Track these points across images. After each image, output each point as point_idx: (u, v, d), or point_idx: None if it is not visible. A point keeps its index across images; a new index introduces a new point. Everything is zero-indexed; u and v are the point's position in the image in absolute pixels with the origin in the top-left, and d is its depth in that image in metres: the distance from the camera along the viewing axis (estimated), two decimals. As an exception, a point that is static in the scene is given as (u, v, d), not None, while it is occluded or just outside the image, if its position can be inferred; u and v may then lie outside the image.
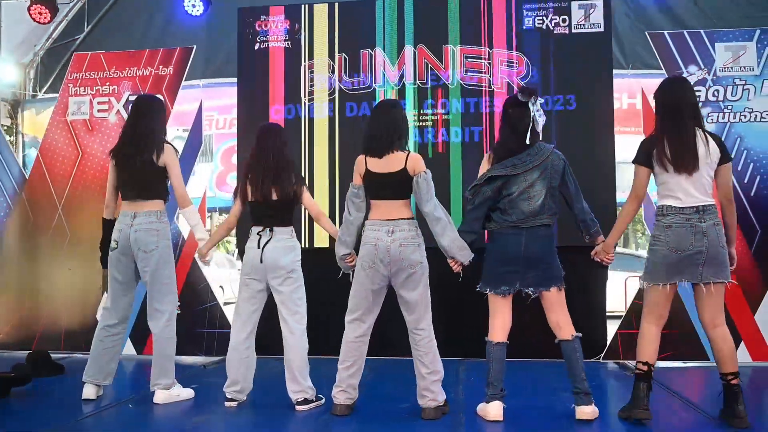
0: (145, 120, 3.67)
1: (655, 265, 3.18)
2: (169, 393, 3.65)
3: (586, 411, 3.16)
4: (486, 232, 3.39)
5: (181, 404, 3.65)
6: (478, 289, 3.33)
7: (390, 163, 3.23)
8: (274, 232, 3.51)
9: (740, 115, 5.00)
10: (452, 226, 3.23)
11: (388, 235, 3.19)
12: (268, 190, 3.50)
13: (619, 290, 6.86)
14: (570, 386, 3.23)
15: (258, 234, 3.53)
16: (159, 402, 3.61)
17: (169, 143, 3.75)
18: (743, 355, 4.71)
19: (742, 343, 4.76)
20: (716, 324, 3.18)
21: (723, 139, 5.07)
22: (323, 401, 3.54)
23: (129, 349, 5.22)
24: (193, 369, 4.73)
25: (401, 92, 5.22)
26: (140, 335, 5.16)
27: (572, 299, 3.35)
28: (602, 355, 4.97)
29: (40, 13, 6.05)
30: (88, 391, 3.67)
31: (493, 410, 3.21)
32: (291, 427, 3.34)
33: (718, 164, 3.17)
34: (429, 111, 5.20)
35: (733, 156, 4.98)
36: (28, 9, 6.01)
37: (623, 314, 5.20)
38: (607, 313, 5.17)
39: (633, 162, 3.27)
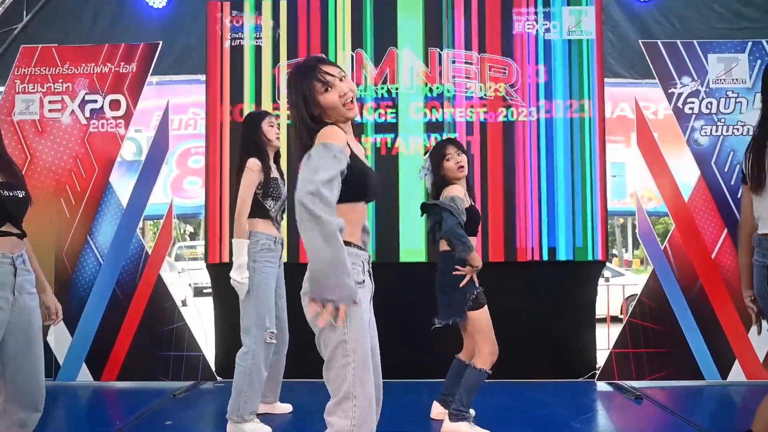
0: None
1: None
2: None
3: None
4: None
5: None
6: None
7: None
8: None
9: (733, 129, 4.89)
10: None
11: None
12: None
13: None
14: None
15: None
16: None
17: None
18: (738, 374, 4.62)
19: (737, 362, 4.65)
20: None
21: (717, 152, 5.08)
22: None
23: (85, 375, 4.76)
24: (162, 397, 4.29)
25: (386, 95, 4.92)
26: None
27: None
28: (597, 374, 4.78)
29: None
30: None
31: None
32: None
33: None
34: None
35: (726, 170, 4.93)
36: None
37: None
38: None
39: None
